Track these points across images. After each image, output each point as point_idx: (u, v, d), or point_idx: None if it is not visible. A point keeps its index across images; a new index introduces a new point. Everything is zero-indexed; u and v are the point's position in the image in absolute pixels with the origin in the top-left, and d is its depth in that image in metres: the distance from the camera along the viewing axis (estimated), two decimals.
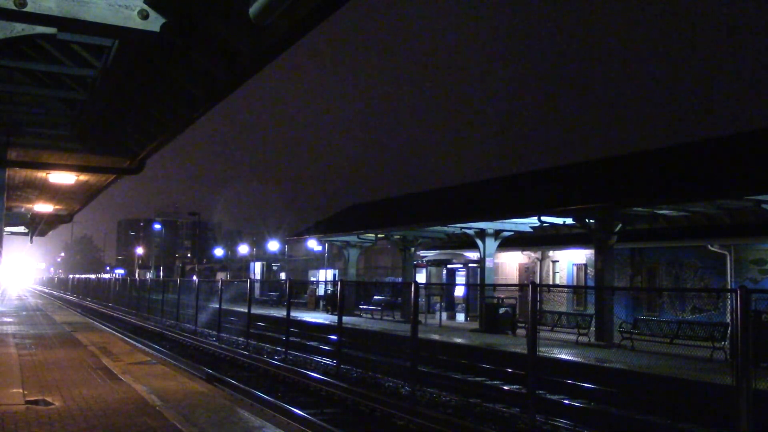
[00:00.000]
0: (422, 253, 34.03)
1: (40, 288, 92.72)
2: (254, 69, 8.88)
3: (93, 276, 75.17)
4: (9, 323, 21.13)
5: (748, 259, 20.82)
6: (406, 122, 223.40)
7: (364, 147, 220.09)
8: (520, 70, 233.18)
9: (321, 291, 40.41)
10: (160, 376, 11.10)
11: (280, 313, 28.29)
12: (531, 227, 25.44)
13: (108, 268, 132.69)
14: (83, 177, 17.40)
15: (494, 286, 26.43)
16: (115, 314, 37.93)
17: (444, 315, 28.93)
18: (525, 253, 29.39)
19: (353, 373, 16.29)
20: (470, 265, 30.48)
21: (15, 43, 7.35)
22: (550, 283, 27.70)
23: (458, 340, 20.59)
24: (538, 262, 28.60)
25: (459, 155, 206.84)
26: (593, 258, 21.86)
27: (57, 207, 24.14)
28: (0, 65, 10.64)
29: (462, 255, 31.47)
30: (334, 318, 21.74)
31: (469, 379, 15.58)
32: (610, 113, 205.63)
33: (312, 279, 47.33)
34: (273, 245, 69.13)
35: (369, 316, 31.32)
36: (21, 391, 8.93)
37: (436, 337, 21.34)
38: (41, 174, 16.95)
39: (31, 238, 35.41)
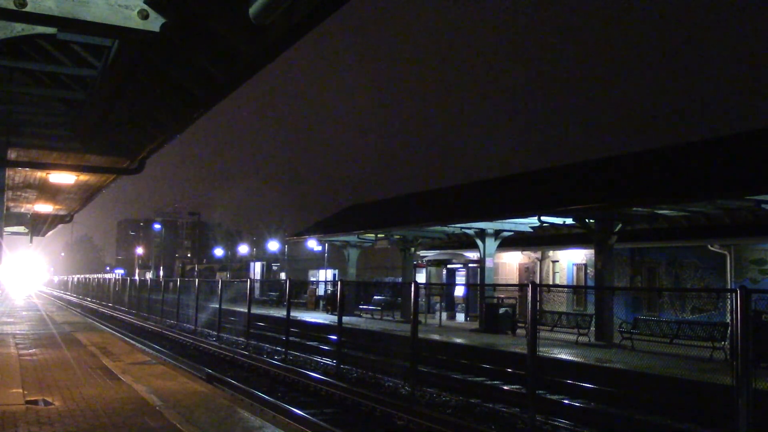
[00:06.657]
0: (422, 253, 34.03)
1: (41, 289, 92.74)
2: (254, 69, 8.87)
3: (93, 276, 75.10)
4: (9, 323, 21.15)
5: (748, 259, 20.84)
6: (407, 122, 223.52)
7: (363, 147, 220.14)
8: (520, 70, 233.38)
9: (321, 291, 40.41)
10: (160, 376, 11.10)
11: (280, 313, 28.29)
12: (531, 227, 25.44)
13: (108, 268, 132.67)
14: (83, 177, 17.34)
15: (494, 286, 26.44)
16: (115, 314, 37.96)
17: (444, 315, 28.93)
18: (525, 253, 29.40)
19: (353, 373, 16.30)
20: (470, 265, 30.48)
21: (15, 43, 7.34)
22: (550, 283, 27.73)
23: (458, 340, 20.59)
24: (538, 262, 28.62)
25: (460, 155, 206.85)
26: (593, 258, 21.87)
27: (57, 207, 24.08)
28: (0, 65, 10.62)
29: (462, 255, 31.47)
30: (334, 318, 21.75)
31: (469, 379, 15.58)
32: (610, 113, 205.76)
33: (312, 279, 47.32)
34: (273, 245, 69.12)
35: (369, 316, 31.31)
36: (21, 391, 8.93)
37: (436, 337, 21.34)
38: (41, 174, 16.91)
39: (31, 238, 35.35)
